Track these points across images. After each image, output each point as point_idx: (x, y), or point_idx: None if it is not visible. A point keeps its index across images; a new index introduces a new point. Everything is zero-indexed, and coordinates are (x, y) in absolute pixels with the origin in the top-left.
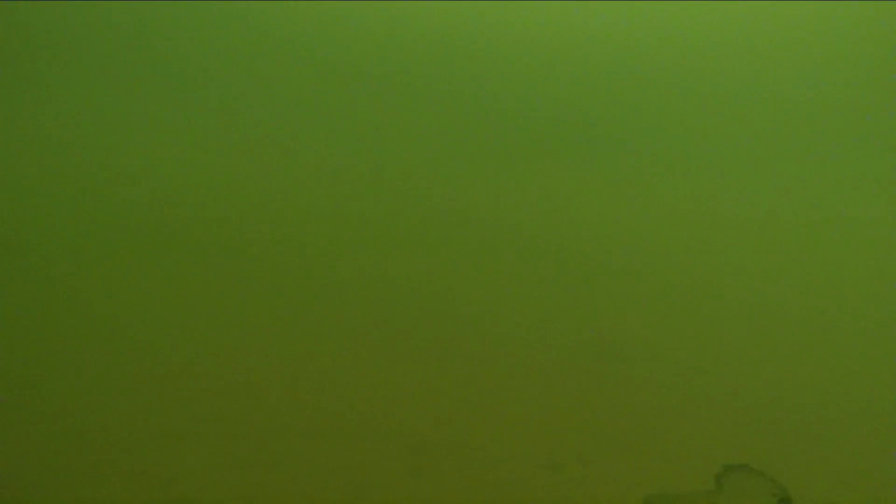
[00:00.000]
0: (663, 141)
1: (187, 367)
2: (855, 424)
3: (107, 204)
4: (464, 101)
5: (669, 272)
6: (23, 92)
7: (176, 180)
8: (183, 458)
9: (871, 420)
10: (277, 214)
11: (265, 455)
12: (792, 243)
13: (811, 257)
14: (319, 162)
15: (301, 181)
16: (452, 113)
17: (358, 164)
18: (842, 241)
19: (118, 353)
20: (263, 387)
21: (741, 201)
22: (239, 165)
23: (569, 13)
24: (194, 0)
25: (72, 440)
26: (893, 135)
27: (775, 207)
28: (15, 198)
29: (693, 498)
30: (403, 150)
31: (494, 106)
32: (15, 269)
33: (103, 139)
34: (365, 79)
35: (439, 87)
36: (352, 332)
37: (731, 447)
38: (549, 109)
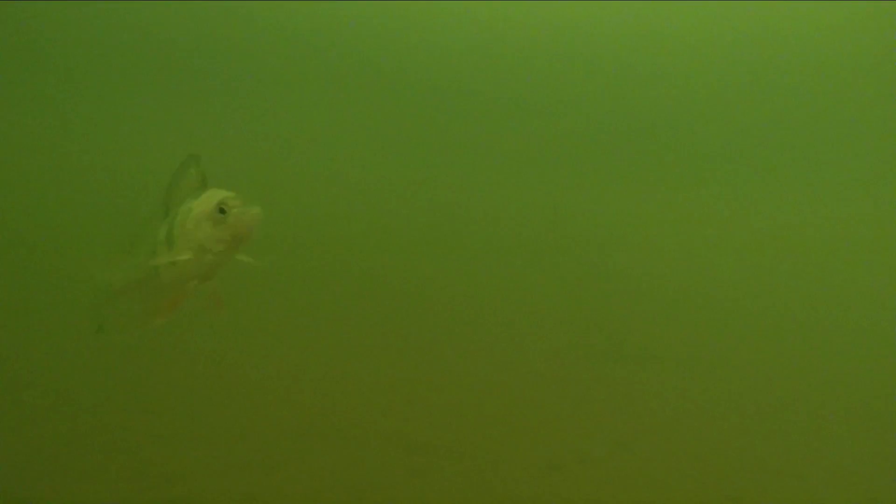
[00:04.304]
0: (665, 142)
1: (187, 366)
2: (859, 424)
3: (108, 203)
4: (465, 103)
5: (671, 273)
6: (23, 92)
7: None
8: (183, 458)
9: (874, 420)
10: (280, 214)
11: (265, 455)
12: (795, 245)
13: (813, 258)
14: (323, 164)
15: (304, 181)
16: (454, 115)
17: (359, 166)
18: (844, 242)
19: (118, 352)
20: (263, 386)
21: (743, 203)
22: (241, 166)
23: (574, 16)
24: (197, 0)
25: (72, 440)
26: (893, 135)
27: (777, 208)
28: (16, 197)
29: None
30: (406, 153)
31: (498, 108)
32: (15, 268)
33: (106, 140)
34: (369, 81)
35: (439, 89)
36: (352, 332)
37: (732, 447)
38: (552, 112)
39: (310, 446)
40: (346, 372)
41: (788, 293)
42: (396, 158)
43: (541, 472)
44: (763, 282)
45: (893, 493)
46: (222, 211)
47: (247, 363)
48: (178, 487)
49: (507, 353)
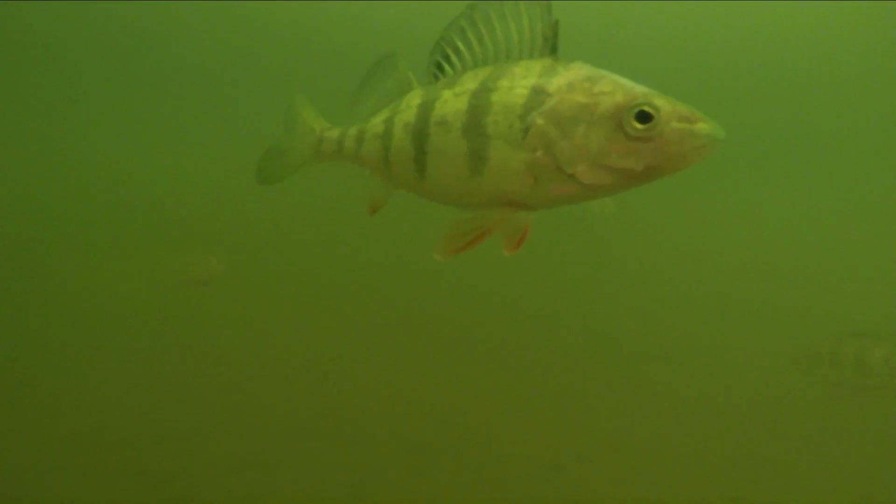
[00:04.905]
0: None
1: (187, 367)
2: (859, 424)
3: (109, 204)
4: None
5: (671, 273)
6: (24, 92)
7: (178, 181)
8: (183, 458)
9: (874, 419)
10: (280, 212)
11: (265, 455)
12: (794, 245)
13: (814, 258)
14: (323, 163)
15: (304, 180)
16: None
17: None
18: (844, 241)
19: (118, 353)
20: (264, 387)
21: (743, 201)
22: (243, 166)
23: (573, 15)
24: (195, 0)
25: (72, 440)
26: (893, 135)
27: (777, 208)
28: (15, 199)
29: None
30: None
31: None
32: (15, 269)
33: (106, 140)
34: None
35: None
36: (352, 333)
37: (732, 447)
38: None
39: (310, 446)
40: (346, 372)
41: (788, 293)
42: None
43: (541, 472)
44: (763, 282)
45: (893, 493)
46: (645, 117)
47: (247, 363)
48: (178, 487)
49: (507, 353)
